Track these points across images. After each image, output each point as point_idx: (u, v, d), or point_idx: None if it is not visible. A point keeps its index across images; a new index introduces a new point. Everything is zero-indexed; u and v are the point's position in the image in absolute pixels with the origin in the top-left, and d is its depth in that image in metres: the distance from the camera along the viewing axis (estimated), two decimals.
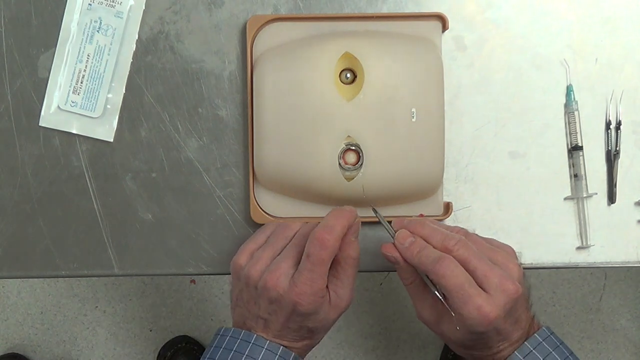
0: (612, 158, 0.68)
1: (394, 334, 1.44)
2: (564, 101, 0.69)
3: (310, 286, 0.57)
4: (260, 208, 0.67)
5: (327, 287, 0.59)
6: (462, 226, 0.69)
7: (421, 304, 0.61)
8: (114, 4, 0.68)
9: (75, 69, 0.68)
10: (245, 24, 0.67)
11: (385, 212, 0.67)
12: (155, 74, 0.68)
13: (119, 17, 0.68)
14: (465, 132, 0.68)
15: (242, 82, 0.68)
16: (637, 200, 0.69)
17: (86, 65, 0.68)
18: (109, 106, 0.68)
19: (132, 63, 0.68)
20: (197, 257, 0.69)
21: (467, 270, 0.56)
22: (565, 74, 0.69)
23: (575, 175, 0.68)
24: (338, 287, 0.60)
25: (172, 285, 1.44)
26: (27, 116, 0.68)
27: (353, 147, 0.64)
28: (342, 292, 0.60)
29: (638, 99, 0.69)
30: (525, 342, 0.58)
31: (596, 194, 0.68)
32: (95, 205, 0.68)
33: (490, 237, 0.68)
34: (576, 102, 0.68)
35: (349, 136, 0.63)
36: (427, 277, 0.58)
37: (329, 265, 0.58)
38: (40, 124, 0.68)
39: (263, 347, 0.59)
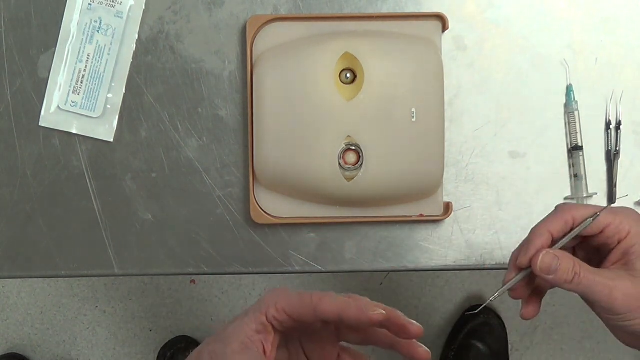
0: (612, 158, 0.68)
1: None
2: (564, 101, 0.69)
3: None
4: (260, 208, 0.67)
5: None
6: (462, 226, 0.69)
7: (605, 283, 0.52)
8: (114, 4, 0.68)
9: (75, 69, 0.68)
10: (245, 24, 0.67)
11: (386, 212, 0.67)
12: (155, 74, 0.68)
13: (119, 17, 0.68)
14: (465, 132, 0.68)
15: (242, 82, 0.68)
16: (637, 200, 0.69)
17: (86, 65, 0.68)
18: (109, 106, 0.68)
19: (132, 63, 0.68)
20: (197, 257, 0.69)
21: None
22: (565, 74, 0.69)
23: (575, 175, 0.68)
24: None
25: (172, 285, 1.44)
26: (27, 116, 0.68)
27: (353, 147, 0.64)
28: None
29: (638, 99, 0.69)
30: None
31: (596, 194, 0.68)
32: (95, 205, 0.68)
33: (490, 237, 0.69)
34: (576, 102, 0.68)
35: (349, 136, 0.63)
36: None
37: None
38: (40, 124, 0.68)
39: None
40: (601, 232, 0.53)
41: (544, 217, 0.68)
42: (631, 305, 0.51)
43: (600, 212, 0.53)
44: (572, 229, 0.53)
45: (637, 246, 0.52)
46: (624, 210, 0.54)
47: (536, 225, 0.54)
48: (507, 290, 0.55)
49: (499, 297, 0.55)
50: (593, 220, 0.52)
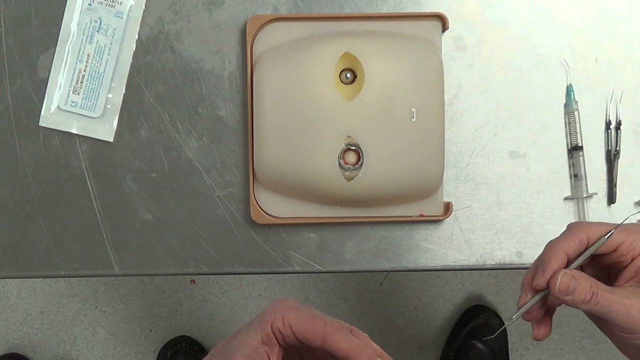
0: (612, 158, 0.68)
1: (394, 334, 1.43)
2: (564, 101, 0.69)
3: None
4: (260, 208, 0.67)
5: None
6: (462, 226, 0.69)
7: (622, 299, 0.51)
8: (114, 4, 0.68)
9: (75, 69, 0.68)
10: (245, 24, 0.67)
11: (386, 212, 0.67)
12: (155, 74, 0.68)
13: (119, 17, 0.68)
14: (465, 132, 0.68)
15: (242, 82, 0.68)
16: (637, 200, 0.69)
17: (86, 65, 0.68)
18: (109, 106, 0.68)
19: (132, 63, 0.68)
20: (197, 257, 0.69)
21: None
22: (565, 74, 0.69)
23: (575, 175, 0.68)
24: None
25: (172, 285, 1.44)
26: (27, 116, 0.68)
27: (353, 147, 0.64)
28: None
29: (638, 99, 0.69)
30: None
31: (596, 194, 0.68)
32: (95, 205, 0.68)
33: (490, 237, 0.69)
34: (576, 102, 0.68)
35: (349, 136, 0.63)
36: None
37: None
38: (40, 124, 0.68)
39: None
40: (615, 250, 0.52)
41: (543, 218, 0.68)
42: None
43: (614, 229, 0.52)
44: (586, 248, 0.53)
45: None
46: (636, 227, 0.53)
47: (550, 246, 0.53)
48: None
49: (515, 321, 0.54)
50: (607, 238, 0.52)
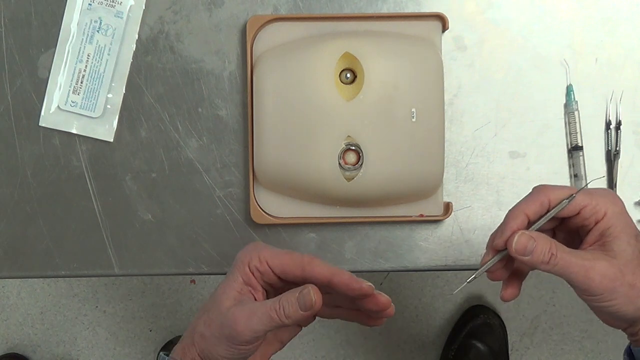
0: (612, 158, 0.68)
1: (394, 334, 1.43)
2: (564, 101, 0.69)
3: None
4: (260, 208, 0.67)
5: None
6: (462, 226, 0.69)
7: (583, 263, 0.51)
8: (114, 4, 0.68)
9: (75, 69, 0.68)
10: (245, 24, 0.67)
11: (386, 212, 0.67)
12: (155, 74, 0.68)
13: (119, 17, 0.68)
14: (465, 132, 0.68)
15: (242, 82, 0.68)
16: (637, 200, 0.69)
17: (86, 65, 0.68)
18: (109, 106, 0.68)
19: (132, 63, 0.68)
20: (197, 257, 0.69)
21: None
22: (565, 74, 0.69)
23: (575, 175, 0.68)
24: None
25: (172, 285, 1.44)
26: (27, 116, 0.68)
27: (353, 147, 0.64)
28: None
29: (638, 99, 0.69)
30: None
31: None
32: (95, 205, 0.68)
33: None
34: (576, 102, 0.68)
35: (349, 136, 0.63)
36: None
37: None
38: (40, 124, 0.68)
39: None
40: (578, 213, 0.53)
41: None
42: (608, 285, 0.51)
43: (576, 193, 0.52)
44: (548, 211, 0.53)
45: (613, 227, 0.52)
46: (600, 191, 0.54)
47: (512, 208, 0.54)
48: (485, 272, 0.55)
49: (477, 278, 0.56)
50: (569, 202, 0.52)
